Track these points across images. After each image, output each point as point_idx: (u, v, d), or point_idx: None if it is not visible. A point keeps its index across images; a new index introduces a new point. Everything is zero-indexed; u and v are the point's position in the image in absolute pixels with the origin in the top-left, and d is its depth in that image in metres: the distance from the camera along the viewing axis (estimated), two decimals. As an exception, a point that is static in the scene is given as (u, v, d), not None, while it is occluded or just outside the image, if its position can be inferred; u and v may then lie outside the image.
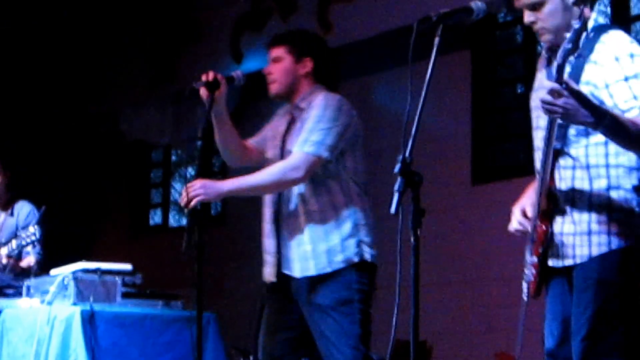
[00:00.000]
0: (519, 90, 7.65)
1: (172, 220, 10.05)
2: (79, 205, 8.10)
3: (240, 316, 6.18)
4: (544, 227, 3.37)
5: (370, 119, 7.78)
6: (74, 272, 5.14)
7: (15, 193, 6.31)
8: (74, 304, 5.06)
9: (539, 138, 3.47)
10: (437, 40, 3.13)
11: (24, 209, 6.29)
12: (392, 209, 2.96)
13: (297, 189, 4.16)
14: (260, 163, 4.33)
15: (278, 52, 4.28)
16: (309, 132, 4.12)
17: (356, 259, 4.13)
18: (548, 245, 3.38)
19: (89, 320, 4.96)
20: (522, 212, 3.48)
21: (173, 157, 10.46)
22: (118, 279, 5.24)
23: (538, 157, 3.46)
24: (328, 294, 4.10)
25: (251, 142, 4.42)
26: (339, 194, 4.17)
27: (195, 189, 4.01)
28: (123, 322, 5.13)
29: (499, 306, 6.48)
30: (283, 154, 4.22)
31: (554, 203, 3.37)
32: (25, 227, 5.95)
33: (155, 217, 10.26)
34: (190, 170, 10.70)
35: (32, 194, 6.43)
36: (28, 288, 5.46)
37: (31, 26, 9.20)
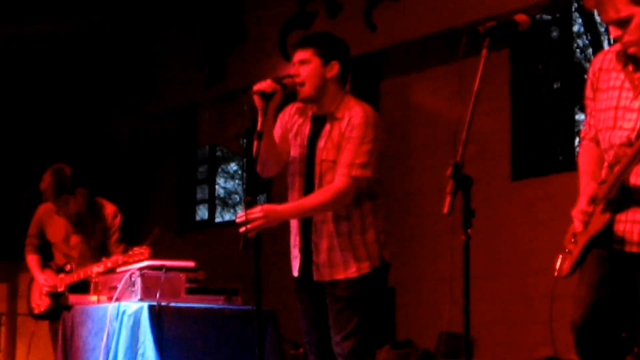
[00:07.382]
0: (555, 87, 7.81)
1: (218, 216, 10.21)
2: (125, 200, 8.24)
3: (286, 309, 6.29)
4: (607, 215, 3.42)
5: (409, 117, 7.95)
6: (140, 270, 5.33)
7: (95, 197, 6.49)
8: (141, 300, 5.25)
9: (611, 118, 3.52)
10: (484, 52, 3.28)
11: (107, 209, 6.47)
12: (445, 211, 3.12)
13: None
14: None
15: (305, 54, 4.23)
16: (354, 154, 4.14)
17: (378, 262, 4.23)
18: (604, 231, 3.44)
19: (156, 315, 5.15)
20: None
21: (218, 153, 10.58)
22: (182, 276, 5.41)
23: (607, 137, 3.50)
24: (348, 289, 4.19)
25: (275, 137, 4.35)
26: (366, 199, 4.24)
27: (257, 216, 3.99)
28: (187, 317, 5.31)
29: (540, 298, 6.45)
30: (314, 159, 4.24)
31: (626, 195, 3.41)
32: (115, 231, 6.34)
33: (200, 213, 10.40)
34: (233, 166, 10.74)
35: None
36: (96, 284, 5.69)
37: (81, 30, 9.34)
